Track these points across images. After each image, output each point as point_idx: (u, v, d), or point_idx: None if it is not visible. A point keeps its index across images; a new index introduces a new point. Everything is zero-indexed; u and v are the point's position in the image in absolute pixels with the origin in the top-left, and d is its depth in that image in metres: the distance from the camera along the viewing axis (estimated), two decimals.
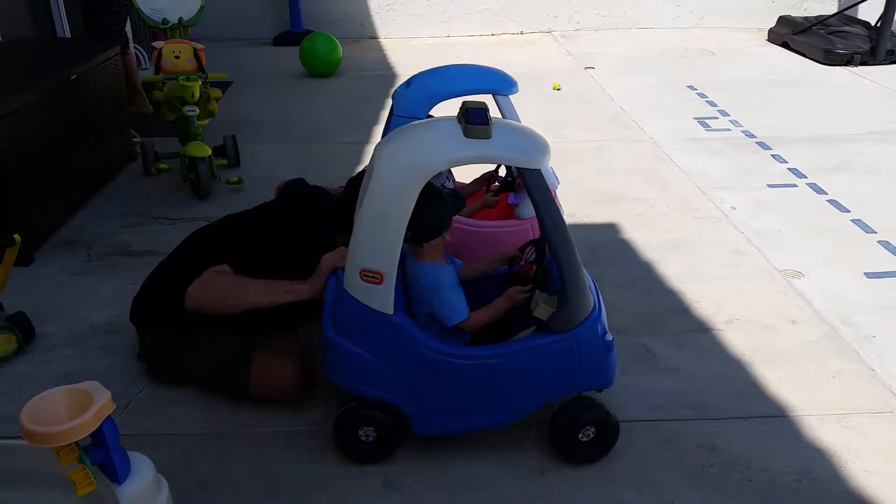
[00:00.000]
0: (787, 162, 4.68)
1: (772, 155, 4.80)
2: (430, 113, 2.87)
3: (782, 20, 7.65)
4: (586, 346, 2.16)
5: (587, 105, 5.82)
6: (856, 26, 7.26)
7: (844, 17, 7.40)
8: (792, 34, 7.33)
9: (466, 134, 1.95)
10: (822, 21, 7.26)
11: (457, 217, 2.61)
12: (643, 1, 8.10)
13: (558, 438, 2.28)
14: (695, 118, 5.47)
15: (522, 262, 2.38)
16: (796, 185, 4.36)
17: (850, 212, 4.02)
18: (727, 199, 4.17)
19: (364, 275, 2.05)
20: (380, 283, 2.04)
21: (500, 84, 2.92)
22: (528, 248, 2.40)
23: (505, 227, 2.95)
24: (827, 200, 4.16)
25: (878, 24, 6.75)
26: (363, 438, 2.23)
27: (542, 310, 2.10)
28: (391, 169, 2.01)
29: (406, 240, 2.07)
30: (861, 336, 2.97)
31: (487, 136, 1.95)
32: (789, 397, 2.63)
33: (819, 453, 2.39)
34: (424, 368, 2.13)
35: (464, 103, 2.01)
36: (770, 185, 4.35)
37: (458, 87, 2.93)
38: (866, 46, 6.77)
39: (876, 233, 3.80)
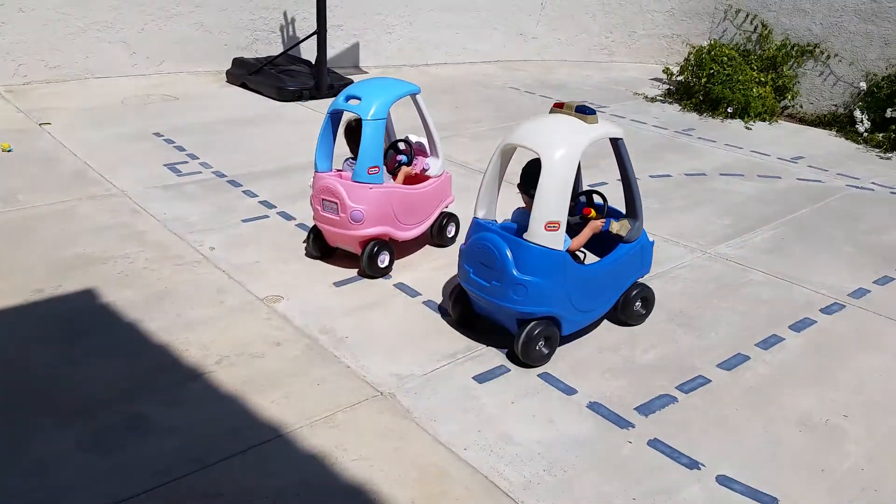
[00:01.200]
0: (257, 196, 4.98)
1: (243, 191, 5.05)
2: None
3: (237, 62, 8.12)
4: (645, 248, 3.52)
5: (46, 165, 5.32)
6: (300, 65, 8.13)
7: (289, 57, 8.22)
8: (248, 74, 7.84)
9: (587, 122, 3.11)
10: (271, 61, 7.92)
11: (402, 186, 4.05)
12: (96, 49, 7.74)
13: (623, 312, 3.51)
14: (165, 165, 5.45)
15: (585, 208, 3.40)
16: (268, 216, 4.67)
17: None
18: (206, 241, 4.25)
19: (549, 225, 3.02)
20: (557, 230, 3.05)
21: (413, 88, 4.15)
22: (579, 196, 3.43)
23: (430, 185, 4.20)
24: (296, 225, 4.56)
25: (316, 63, 7.66)
26: (541, 348, 3.17)
27: (622, 228, 3.38)
28: (556, 154, 3.03)
29: None
30: (337, 340, 3.33)
31: (597, 121, 3.14)
32: (282, 416, 2.79)
33: (313, 459, 2.59)
34: (576, 283, 3.18)
35: (573, 103, 3.15)
36: (244, 220, 4.58)
37: (402, 91, 4.08)
38: (312, 82, 7.63)
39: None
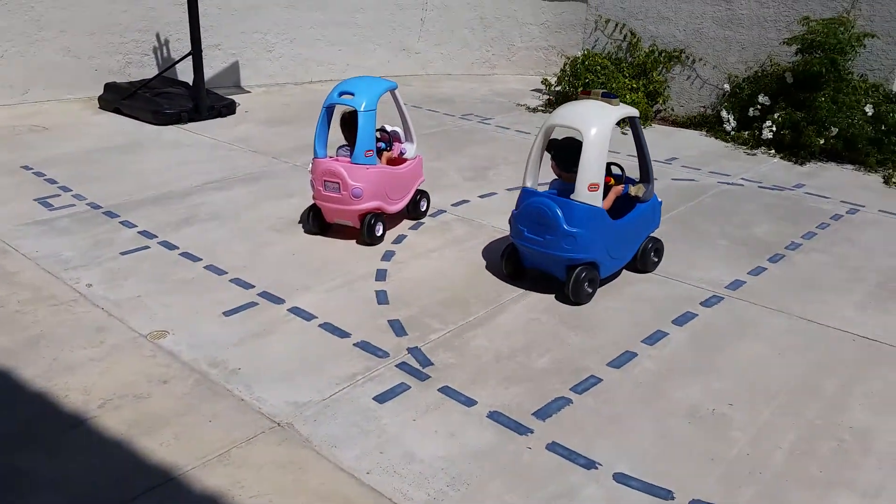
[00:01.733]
0: (136, 226, 4.76)
1: (120, 222, 4.82)
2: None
3: (109, 87, 7.75)
4: (655, 207, 4.31)
5: None
6: (177, 87, 7.86)
7: (165, 79, 7.92)
8: (121, 100, 7.50)
9: (611, 104, 3.86)
10: (145, 84, 7.61)
11: (380, 166, 4.69)
12: None
13: (641, 261, 4.26)
14: (35, 199, 5.12)
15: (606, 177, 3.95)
16: (149, 247, 4.47)
17: (201, 260, 4.32)
18: (83, 278, 4.02)
19: (591, 186, 3.76)
20: (597, 190, 3.79)
21: (393, 84, 4.84)
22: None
23: (409, 166, 4.92)
24: (179, 254, 4.38)
25: (194, 85, 7.42)
26: (587, 288, 3.89)
27: (638, 190, 4.13)
28: (596, 126, 3.76)
29: None
30: (228, 372, 3.22)
31: (618, 104, 3.88)
32: (173, 458, 2.66)
33: (208, 501, 2.48)
34: (609, 234, 3.92)
35: (598, 91, 3.92)
36: (123, 253, 4.36)
37: (385, 86, 4.77)
38: (190, 104, 7.39)
39: (227, 273, 4.17)
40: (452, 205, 5.37)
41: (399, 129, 5.04)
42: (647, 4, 8.18)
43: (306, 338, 3.52)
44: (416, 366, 3.31)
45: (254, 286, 4.01)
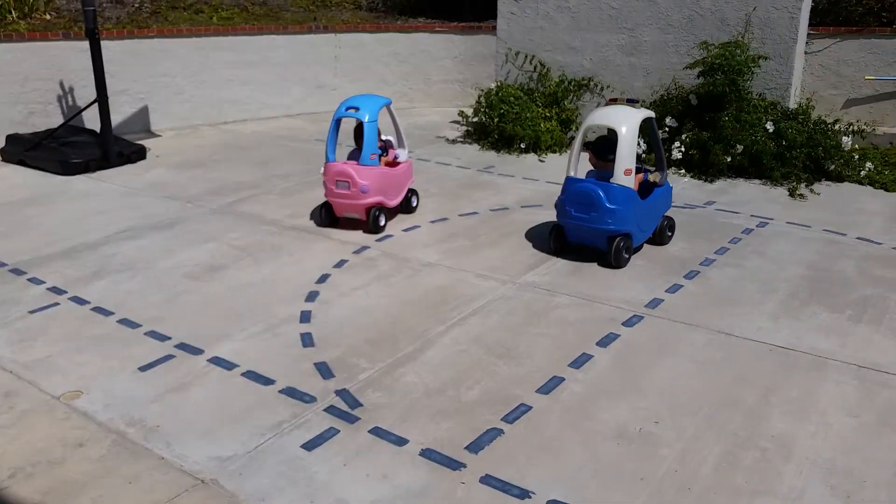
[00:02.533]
0: (45, 282, 4.54)
1: (28, 279, 4.59)
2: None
3: (11, 138, 7.44)
4: (668, 190, 5.26)
5: None
6: (84, 135, 7.60)
7: (71, 128, 7.65)
8: (25, 151, 7.20)
9: (635, 108, 4.85)
10: (50, 134, 7.33)
11: (382, 167, 5.59)
12: None
13: (658, 236, 5.16)
14: None
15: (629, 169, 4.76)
16: (59, 304, 4.26)
17: (114, 313, 4.15)
18: None
19: (626, 172, 4.65)
20: (630, 175, 4.70)
21: (388, 101, 5.72)
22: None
23: (401, 168, 5.78)
24: (91, 309, 4.20)
25: (101, 132, 7.20)
26: (624, 254, 4.80)
27: (656, 177, 5.05)
28: (626, 124, 4.70)
29: None
30: (147, 430, 3.08)
31: (640, 108, 4.85)
32: None
33: None
34: (639, 211, 4.83)
35: (624, 98, 5.06)
36: (31, 311, 4.15)
37: (383, 102, 5.68)
38: (98, 152, 7.15)
39: (141, 326, 4.01)
40: (376, 240, 5.35)
41: (392, 138, 5.89)
42: (554, 36, 8.44)
43: (228, 388, 3.41)
44: (345, 408, 3.25)
45: (170, 338, 3.87)
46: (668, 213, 5.27)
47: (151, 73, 8.80)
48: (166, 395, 3.35)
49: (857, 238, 5.41)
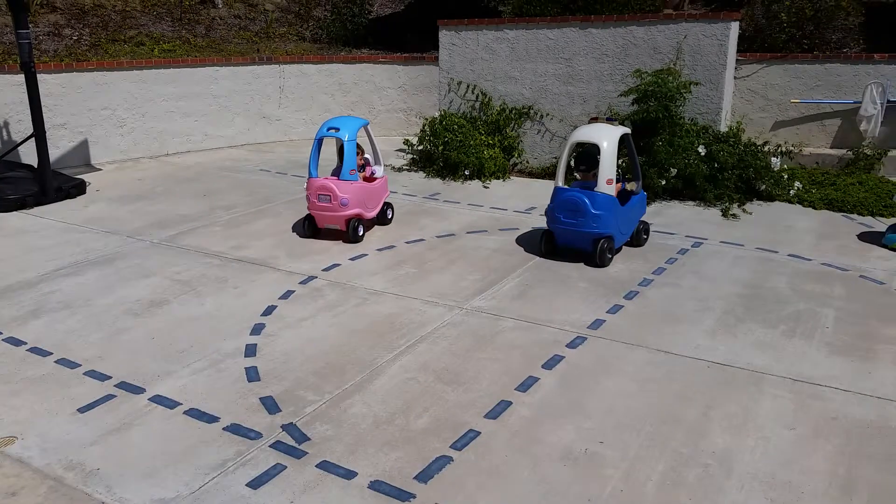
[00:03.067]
0: None
1: None
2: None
3: None
4: (643, 198, 5.88)
5: None
6: (21, 170, 7.41)
7: (6, 163, 7.45)
8: None
9: (614, 126, 5.46)
10: None
11: (360, 182, 6.05)
12: None
13: (635, 239, 5.75)
14: None
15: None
16: None
17: (52, 354, 4.04)
18: None
19: (608, 181, 5.23)
20: (612, 184, 5.26)
21: (365, 122, 6.23)
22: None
23: (379, 182, 6.30)
24: (27, 350, 4.08)
25: (39, 167, 7.03)
26: (608, 255, 5.34)
27: (632, 186, 5.74)
28: (607, 140, 5.27)
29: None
30: (86, 474, 2.99)
31: (618, 125, 5.55)
32: None
33: None
34: (620, 215, 5.39)
35: (604, 117, 6.04)
36: None
37: (361, 123, 6.16)
38: (35, 188, 6.97)
39: (81, 365, 3.91)
40: (323, 269, 5.34)
41: (369, 156, 6.38)
42: (495, 66, 8.61)
43: (171, 427, 3.34)
44: (292, 443, 3.22)
45: (110, 377, 3.78)
46: (643, 218, 5.95)
47: (91, 107, 8.65)
48: (107, 437, 3.26)
49: (789, 255, 5.62)
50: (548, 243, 5.61)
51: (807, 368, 3.87)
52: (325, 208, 5.90)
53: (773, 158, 7.32)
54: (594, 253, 5.33)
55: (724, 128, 7.67)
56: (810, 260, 5.52)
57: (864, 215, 6.72)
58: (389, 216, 6.49)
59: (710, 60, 7.48)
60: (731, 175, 7.02)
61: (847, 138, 8.35)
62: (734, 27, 7.58)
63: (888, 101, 8.03)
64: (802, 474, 3.00)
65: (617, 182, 5.44)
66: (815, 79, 8.38)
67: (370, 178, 6.29)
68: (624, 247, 5.79)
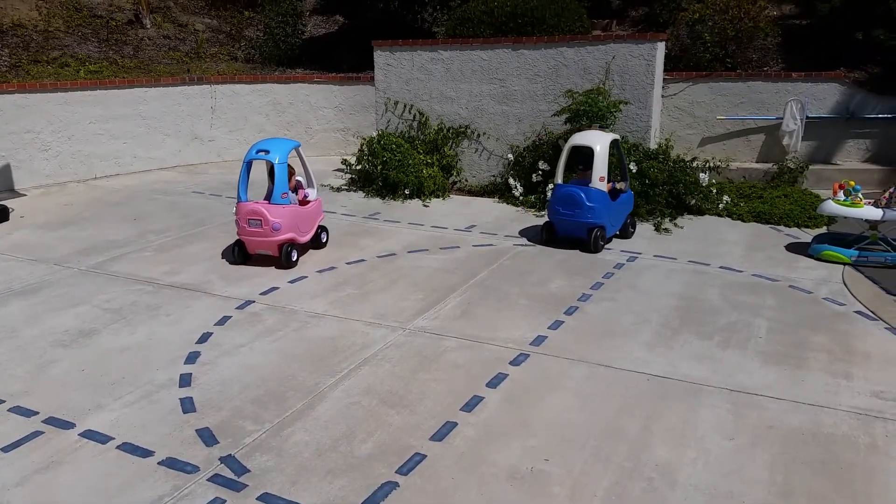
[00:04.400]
0: None
1: None
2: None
3: None
4: (631, 196, 6.80)
5: None
6: None
7: None
8: None
9: (605, 132, 6.55)
10: None
11: (293, 206, 5.91)
12: None
13: (623, 231, 6.61)
14: None
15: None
16: None
17: None
18: None
19: (600, 178, 6.15)
20: (603, 181, 6.18)
21: (297, 143, 6.09)
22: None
23: (311, 206, 6.15)
24: None
25: None
26: (600, 242, 6.22)
27: (621, 185, 6.55)
28: (599, 143, 6.19)
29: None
30: None
31: (609, 132, 6.70)
32: None
33: None
34: (611, 209, 6.31)
35: (596, 125, 7.18)
36: None
37: (291, 145, 6.02)
38: None
39: (4, 401, 3.71)
40: (261, 293, 5.23)
41: (302, 178, 6.21)
42: (430, 86, 8.66)
43: (102, 464, 3.19)
44: (231, 475, 3.11)
45: (37, 413, 3.60)
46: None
47: (13, 130, 8.31)
48: (33, 477, 3.09)
49: (720, 267, 5.80)
50: (548, 233, 6.42)
51: (742, 378, 3.97)
52: (256, 233, 5.72)
53: (701, 174, 7.55)
54: (588, 240, 6.15)
55: (653, 145, 7.88)
56: (741, 272, 5.70)
57: (790, 227, 6.99)
58: (324, 240, 6.36)
59: (638, 80, 7.69)
60: (661, 191, 7.21)
61: (771, 153, 8.70)
62: (660, 47, 7.82)
63: (807, 117, 8.42)
64: (743, 483, 3.07)
65: (608, 181, 6.27)
66: (738, 96, 8.72)
67: (303, 202, 6.14)
68: (563, 261, 5.87)
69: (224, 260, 5.99)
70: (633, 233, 6.67)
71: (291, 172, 6.00)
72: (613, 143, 6.44)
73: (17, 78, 8.86)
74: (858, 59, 8.89)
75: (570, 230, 6.28)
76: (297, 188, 6.12)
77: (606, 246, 6.37)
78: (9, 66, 9.21)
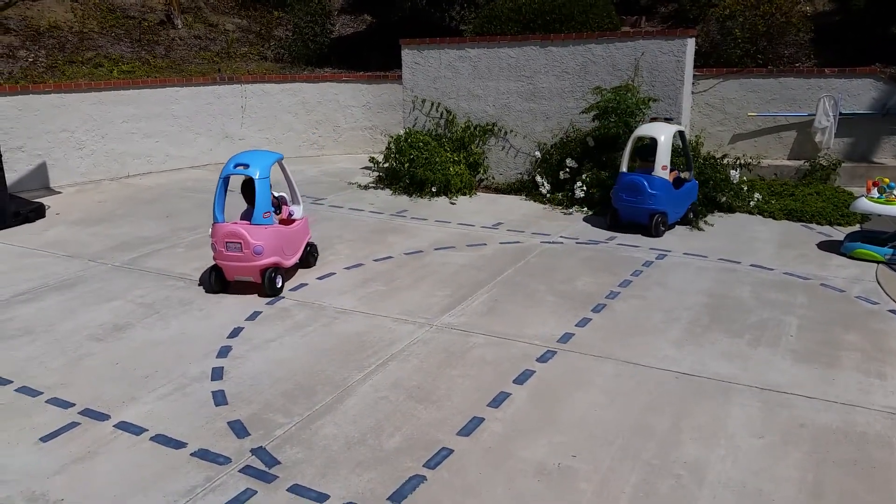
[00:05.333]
0: None
1: None
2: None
3: None
4: (695, 185, 7.04)
5: None
6: None
7: None
8: None
9: (671, 123, 6.86)
10: None
11: (276, 226, 5.29)
12: None
13: (686, 218, 6.86)
14: None
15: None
16: None
17: (12, 382, 3.93)
18: None
19: (663, 167, 6.46)
20: (666, 170, 6.49)
21: (280, 156, 5.50)
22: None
23: (297, 225, 5.61)
24: None
25: None
26: (661, 228, 6.54)
27: (686, 174, 6.95)
28: (663, 134, 6.51)
29: None
30: (51, 503, 2.90)
31: (674, 123, 7.03)
32: None
33: None
34: (673, 196, 6.61)
35: (662, 117, 7.33)
36: None
37: (274, 158, 5.40)
38: None
39: (42, 393, 3.81)
40: (290, 289, 5.29)
41: (286, 194, 5.74)
42: (458, 84, 8.67)
43: (137, 455, 3.26)
44: (262, 467, 3.16)
45: (74, 404, 3.69)
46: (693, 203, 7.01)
47: (49, 129, 8.50)
48: (70, 466, 3.17)
49: (751, 265, 5.73)
50: (613, 219, 6.72)
51: (773, 377, 3.93)
52: (236, 258, 5.08)
53: (732, 171, 7.47)
54: (650, 226, 6.46)
55: None
56: (772, 269, 5.63)
57: (822, 224, 6.89)
58: (312, 261, 5.80)
59: (667, 76, 7.63)
60: None
61: (803, 150, 8.57)
62: (690, 43, 7.75)
63: (840, 114, 8.28)
64: (772, 482, 3.04)
65: (672, 171, 6.57)
66: (770, 92, 8.60)
67: (288, 220, 5.63)
68: (591, 258, 5.85)
69: None
70: (694, 219, 6.85)
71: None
72: (679, 134, 6.76)
73: (53, 78, 9.05)
74: (893, 55, 8.71)
75: (632, 216, 6.58)
76: (279, 205, 5.62)
77: (635, 244, 6.33)
78: (45, 67, 9.41)
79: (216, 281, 5.20)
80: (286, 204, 5.73)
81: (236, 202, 5.53)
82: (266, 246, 5.10)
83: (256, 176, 5.13)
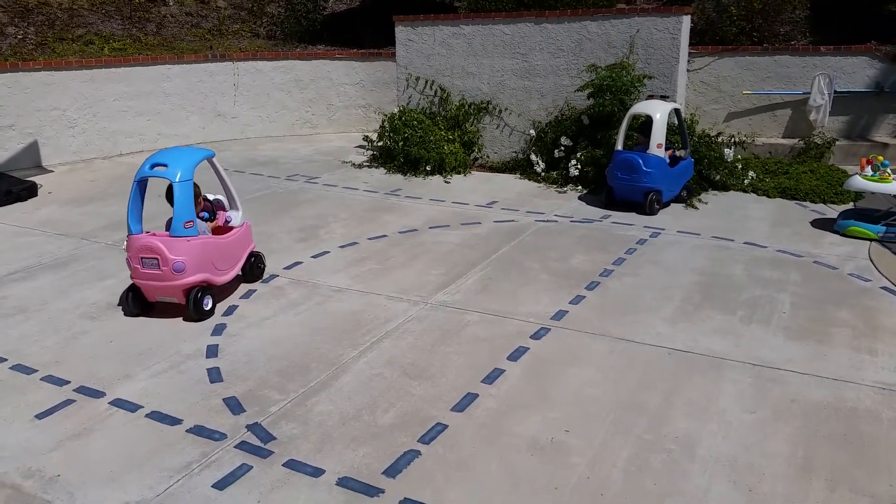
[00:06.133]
0: None
1: None
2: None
3: None
4: (691, 163, 7.01)
5: None
6: None
7: None
8: None
9: (666, 101, 6.84)
10: None
11: (203, 237, 4.46)
12: None
13: (679, 197, 6.85)
14: None
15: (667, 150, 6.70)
16: None
17: (7, 360, 3.93)
18: None
19: (658, 145, 6.47)
20: (661, 148, 6.50)
21: (209, 153, 4.69)
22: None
23: (236, 234, 4.80)
24: None
25: None
26: (656, 206, 6.56)
27: (681, 152, 6.90)
28: (659, 112, 6.52)
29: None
30: (46, 481, 2.92)
31: (669, 101, 7.08)
32: None
33: None
34: (667, 174, 6.61)
35: (658, 94, 7.23)
36: None
37: (200, 156, 4.59)
38: None
39: (37, 371, 3.81)
40: (284, 268, 5.29)
41: (222, 198, 5.01)
42: (452, 62, 8.61)
43: (132, 431, 3.28)
44: (258, 443, 3.18)
45: (69, 382, 3.69)
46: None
47: (40, 107, 8.42)
48: (66, 443, 3.19)
49: (745, 243, 5.75)
50: (608, 196, 6.74)
51: (765, 353, 3.96)
52: (153, 276, 4.29)
53: (726, 149, 7.47)
54: (644, 203, 6.48)
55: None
56: (765, 247, 5.65)
57: (816, 203, 6.90)
58: (257, 273, 5.03)
59: (662, 54, 7.59)
60: None
61: (798, 128, 8.57)
62: (686, 21, 7.71)
63: (835, 92, 8.27)
64: (763, 457, 3.07)
65: (668, 149, 6.59)
66: (765, 71, 8.58)
67: (224, 228, 4.87)
68: (585, 237, 5.86)
69: None
70: (687, 197, 6.87)
71: (197, 193, 4.62)
72: (674, 112, 6.78)
73: (43, 56, 8.96)
74: (889, 33, 8.68)
75: (627, 194, 6.59)
76: (213, 210, 4.88)
77: (629, 222, 6.34)
78: (35, 45, 9.31)
79: (134, 302, 4.42)
80: (222, 209, 4.98)
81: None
82: (189, 261, 4.29)
83: (176, 179, 4.31)
